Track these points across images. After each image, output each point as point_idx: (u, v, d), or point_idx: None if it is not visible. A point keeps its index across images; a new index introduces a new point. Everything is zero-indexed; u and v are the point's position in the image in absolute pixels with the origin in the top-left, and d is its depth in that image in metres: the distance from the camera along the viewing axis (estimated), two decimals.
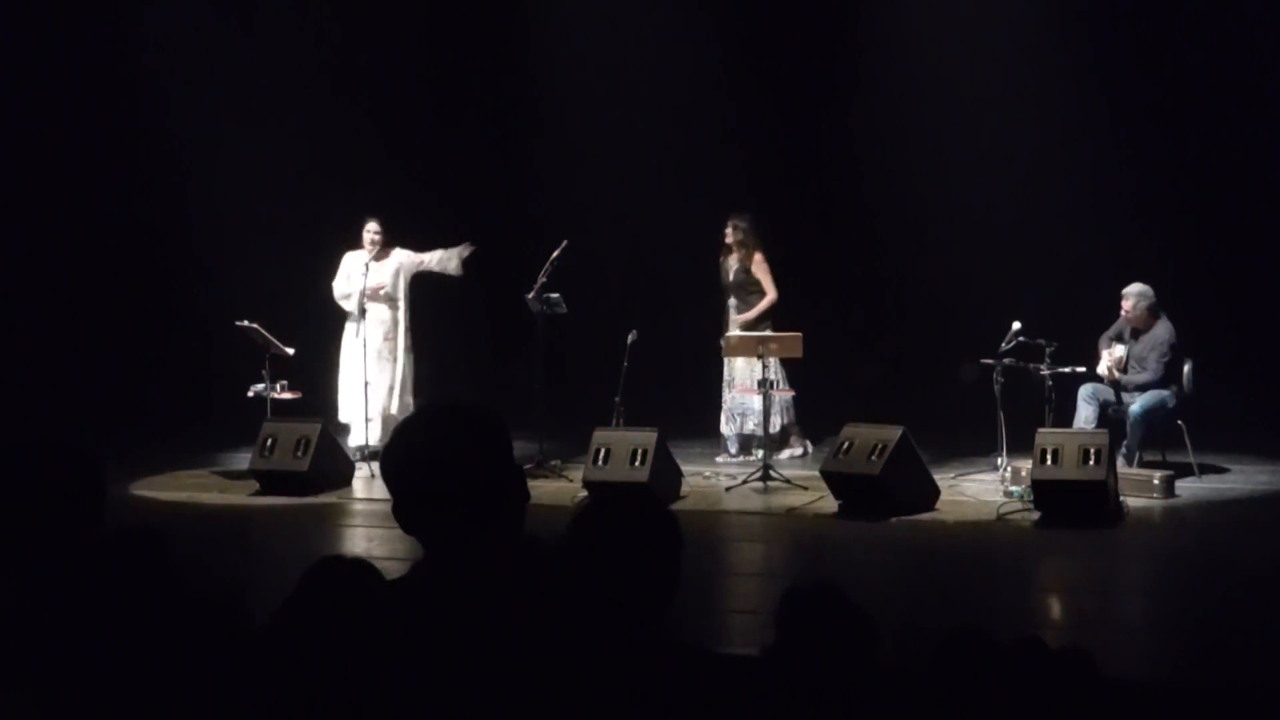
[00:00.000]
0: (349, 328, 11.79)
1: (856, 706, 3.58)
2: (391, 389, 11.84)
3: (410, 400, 11.90)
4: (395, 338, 11.87)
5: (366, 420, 11.56)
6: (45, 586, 3.14)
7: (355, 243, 11.83)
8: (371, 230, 11.74)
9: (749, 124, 15.07)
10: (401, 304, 11.91)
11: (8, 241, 14.68)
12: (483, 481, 2.84)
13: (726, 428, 12.00)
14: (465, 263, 11.92)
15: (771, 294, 11.90)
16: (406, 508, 2.87)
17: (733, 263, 11.99)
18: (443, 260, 11.95)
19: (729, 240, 11.96)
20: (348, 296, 11.69)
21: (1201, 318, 11.73)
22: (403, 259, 11.89)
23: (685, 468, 10.72)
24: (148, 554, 3.24)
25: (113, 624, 3.08)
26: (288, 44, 14.73)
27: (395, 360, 11.87)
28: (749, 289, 11.94)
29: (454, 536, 2.83)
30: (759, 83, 15.01)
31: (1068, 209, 13.99)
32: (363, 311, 11.58)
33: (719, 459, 11.87)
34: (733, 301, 12.02)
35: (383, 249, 11.77)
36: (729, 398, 11.94)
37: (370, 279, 11.62)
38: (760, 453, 11.26)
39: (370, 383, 11.50)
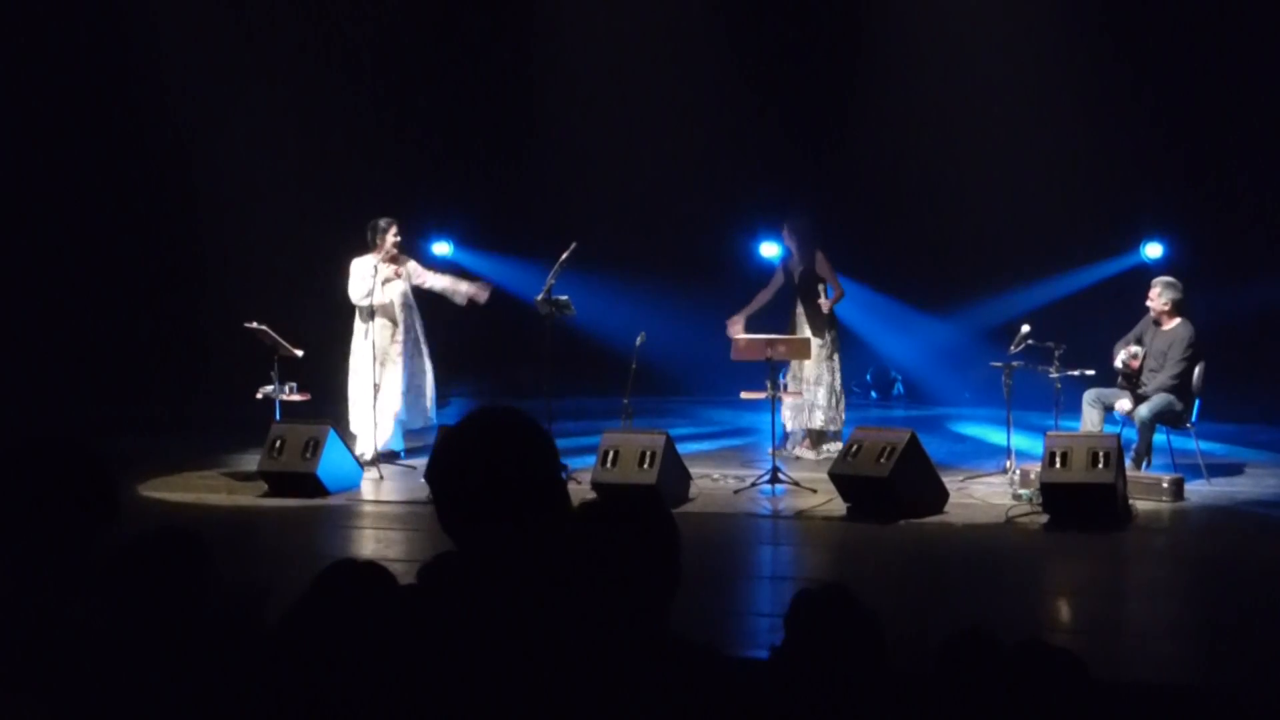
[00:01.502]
0: (358, 331, 11.74)
1: (864, 709, 3.58)
2: (418, 392, 11.81)
3: (433, 406, 11.94)
4: (407, 342, 11.82)
5: (375, 424, 11.55)
6: (56, 585, 3.14)
7: (360, 247, 11.75)
8: (395, 234, 11.70)
9: (761, 124, 15.09)
10: (415, 308, 11.90)
11: (16, 243, 14.70)
12: (527, 490, 2.86)
13: (793, 423, 12.19)
14: (472, 299, 11.94)
15: (839, 292, 12.00)
16: (450, 511, 2.89)
17: (795, 264, 12.09)
18: (447, 289, 11.94)
19: (786, 244, 12.13)
20: (368, 294, 11.60)
21: (1213, 321, 11.72)
22: (412, 269, 11.88)
23: (693, 469, 10.72)
24: (187, 557, 3.24)
25: (134, 624, 3.08)
26: (297, 45, 14.74)
27: (410, 364, 11.82)
28: (813, 290, 12.00)
29: (493, 542, 2.85)
30: (770, 81, 15.04)
31: (1082, 210, 14.04)
32: (370, 315, 11.57)
33: (797, 453, 12.12)
34: (799, 302, 12.09)
35: (399, 254, 11.76)
36: (791, 397, 12.00)
37: (390, 289, 11.62)
38: (830, 446, 11.84)
39: (379, 386, 11.51)
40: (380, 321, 11.65)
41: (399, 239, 11.75)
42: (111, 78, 14.76)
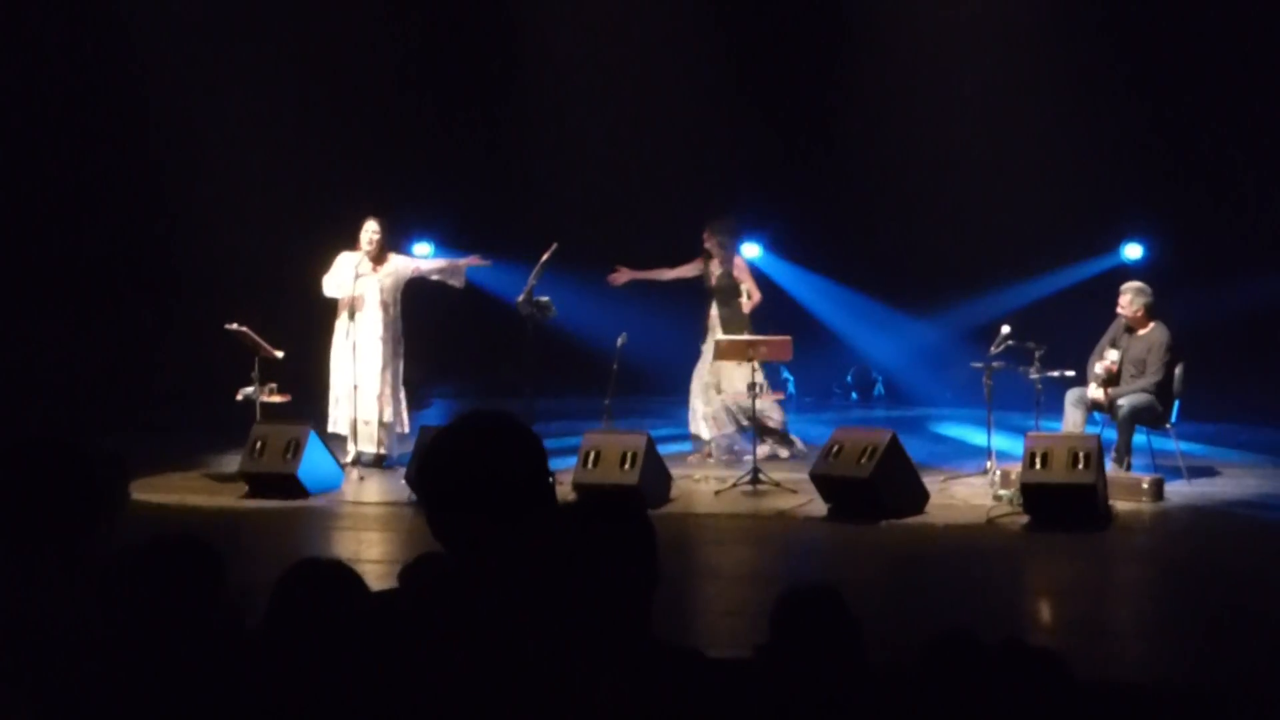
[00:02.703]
0: (339, 329, 11.67)
1: (847, 709, 3.58)
2: (381, 395, 11.68)
3: (403, 408, 11.82)
4: (388, 341, 11.73)
5: (354, 423, 11.49)
6: (50, 584, 3.14)
7: (351, 243, 11.68)
8: (371, 230, 11.58)
9: (744, 125, 15.10)
10: (395, 311, 11.79)
11: None
12: (519, 493, 2.86)
13: (701, 427, 12.06)
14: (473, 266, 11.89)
15: (756, 295, 11.98)
16: (439, 513, 2.89)
17: (715, 267, 12.05)
18: (444, 272, 11.86)
19: (706, 246, 12.05)
20: (339, 286, 11.52)
21: (1192, 321, 11.75)
22: (399, 265, 11.78)
23: (674, 471, 10.72)
24: (202, 567, 3.22)
25: (135, 629, 3.06)
26: (278, 47, 14.71)
27: (387, 365, 11.72)
28: (732, 292, 12.00)
29: (483, 544, 2.85)
30: (753, 81, 15.06)
31: (1062, 211, 14.10)
32: (352, 314, 11.49)
33: (693, 458, 11.98)
34: (715, 305, 12.06)
35: (380, 253, 11.65)
36: (715, 400, 11.97)
37: (364, 285, 11.52)
38: (780, 447, 11.87)
39: (360, 386, 11.43)
40: (360, 318, 11.54)
41: (376, 235, 11.61)
42: (91, 80, 14.71)
